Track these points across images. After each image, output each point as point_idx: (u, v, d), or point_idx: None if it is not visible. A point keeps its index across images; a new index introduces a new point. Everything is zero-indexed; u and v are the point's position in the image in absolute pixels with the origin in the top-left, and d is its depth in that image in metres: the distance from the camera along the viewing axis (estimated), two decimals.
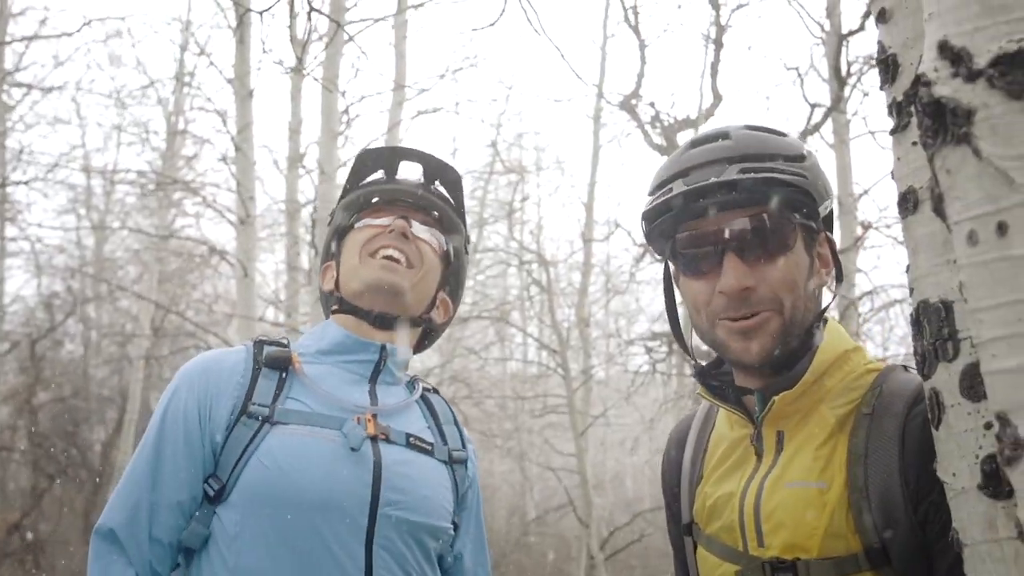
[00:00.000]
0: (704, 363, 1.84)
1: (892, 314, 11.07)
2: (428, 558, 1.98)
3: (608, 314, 20.21)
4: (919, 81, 1.11)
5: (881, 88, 1.47)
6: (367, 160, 2.25)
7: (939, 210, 1.14)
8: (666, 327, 13.19)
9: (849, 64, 8.92)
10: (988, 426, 1.25)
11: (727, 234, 1.63)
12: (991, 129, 1.03)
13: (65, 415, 15.73)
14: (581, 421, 12.86)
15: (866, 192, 9.72)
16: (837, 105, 8.81)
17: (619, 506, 21.98)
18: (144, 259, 15.01)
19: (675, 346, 11.16)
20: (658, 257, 1.87)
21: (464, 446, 2.15)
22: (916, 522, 1.46)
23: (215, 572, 1.84)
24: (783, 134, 1.73)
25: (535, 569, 15.97)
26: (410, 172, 2.25)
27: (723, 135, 1.69)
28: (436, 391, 2.26)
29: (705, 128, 9.94)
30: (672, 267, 1.80)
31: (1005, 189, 1.02)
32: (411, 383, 2.19)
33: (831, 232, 1.77)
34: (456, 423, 2.19)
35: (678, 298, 1.84)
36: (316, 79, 7.90)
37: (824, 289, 1.72)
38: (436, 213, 2.20)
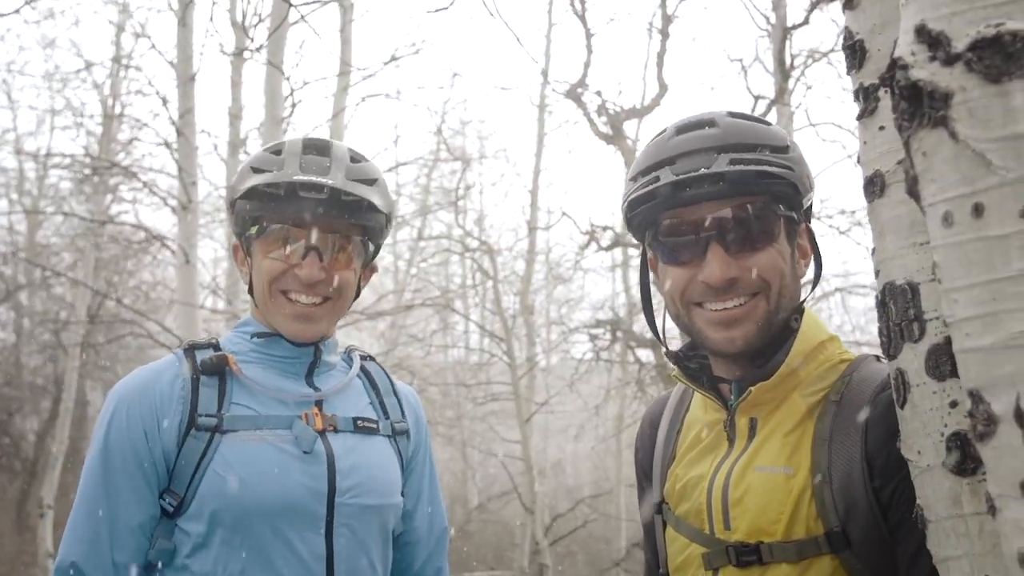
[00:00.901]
0: (672, 347, 1.84)
1: (832, 303, 11.27)
2: (384, 536, 2.02)
3: (551, 302, 20.29)
4: (896, 64, 1.12)
5: (847, 73, 1.48)
6: (276, 152, 2.02)
7: (913, 192, 1.15)
8: (609, 315, 13.28)
9: (793, 57, 9.05)
10: (953, 404, 1.27)
11: (712, 224, 1.62)
12: (968, 112, 1.05)
13: None
14: (526, 408, 12.90)
15: None
16: (781, 97, 8.92)
17: (560, 493, 22.13)
18: (80, 245, 14.64)
19: (619, 333, 11.23)
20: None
21: (404, 416, 2.15)
22: (878, 507, 1.48)
23: None
24: (767, 123, 1.72)
25: (478, 556, 15.99)
26: (318, 167, 1.97)
27: (709, 122, 1.67)
28: (372, 358, 2.23)
29: (650, 117, 9.98)
30: (650, 254, 1.78)
31: (982, 171, 1.04)
32: (347, 356, 2.18)
33: (810, 223, 1.77)
34: (395, 392, 2.18)
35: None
36: (263, 63, 7.77)
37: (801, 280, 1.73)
38: (352, 222, 1.99)
